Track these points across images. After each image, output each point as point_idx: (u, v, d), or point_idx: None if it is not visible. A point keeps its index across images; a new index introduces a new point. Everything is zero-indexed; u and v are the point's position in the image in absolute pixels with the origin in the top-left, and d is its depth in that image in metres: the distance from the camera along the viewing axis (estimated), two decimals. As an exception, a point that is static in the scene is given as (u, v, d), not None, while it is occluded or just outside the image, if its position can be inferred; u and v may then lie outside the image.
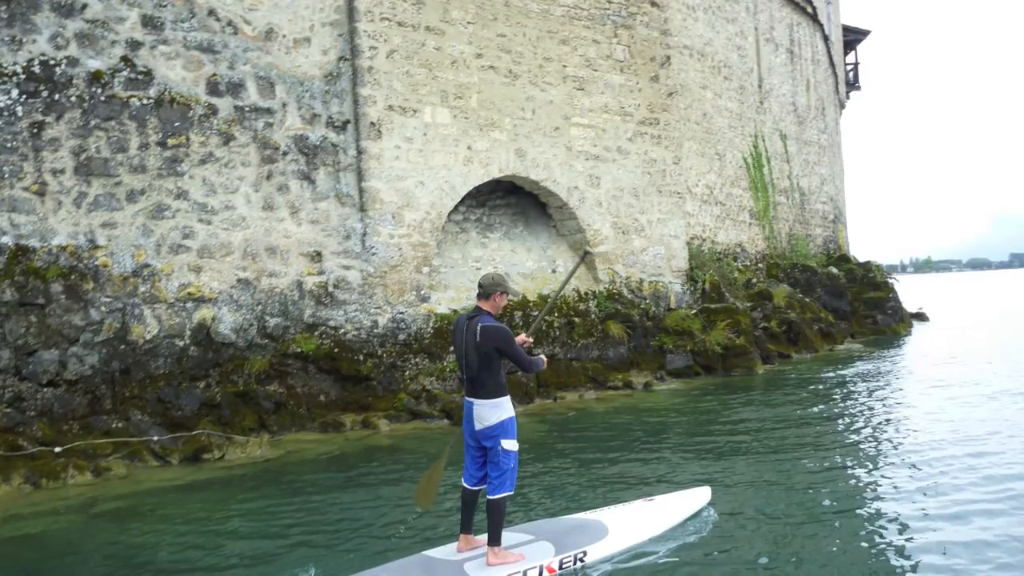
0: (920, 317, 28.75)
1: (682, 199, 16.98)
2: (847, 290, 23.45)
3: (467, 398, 5.62)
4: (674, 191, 16.63)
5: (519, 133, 14.04)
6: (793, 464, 8.37)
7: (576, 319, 14.25)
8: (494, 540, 5.44)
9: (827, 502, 6.96)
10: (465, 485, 5.72)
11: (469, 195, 13.78)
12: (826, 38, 31.64)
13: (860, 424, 10.50)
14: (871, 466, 8.30)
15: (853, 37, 40.25)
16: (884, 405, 11.89)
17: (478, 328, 5.44)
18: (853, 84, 41.34)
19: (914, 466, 8.09)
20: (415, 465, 8.71)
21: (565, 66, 14.76)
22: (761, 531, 6.32)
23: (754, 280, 19.84)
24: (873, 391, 13.10)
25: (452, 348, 6.23)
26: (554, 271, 14.99)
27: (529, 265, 14.76)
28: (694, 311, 16.18)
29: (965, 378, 14.01)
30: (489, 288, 5.64)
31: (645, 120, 16.08)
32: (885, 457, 8.65)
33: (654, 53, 16.23)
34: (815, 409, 11.55)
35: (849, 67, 40.84)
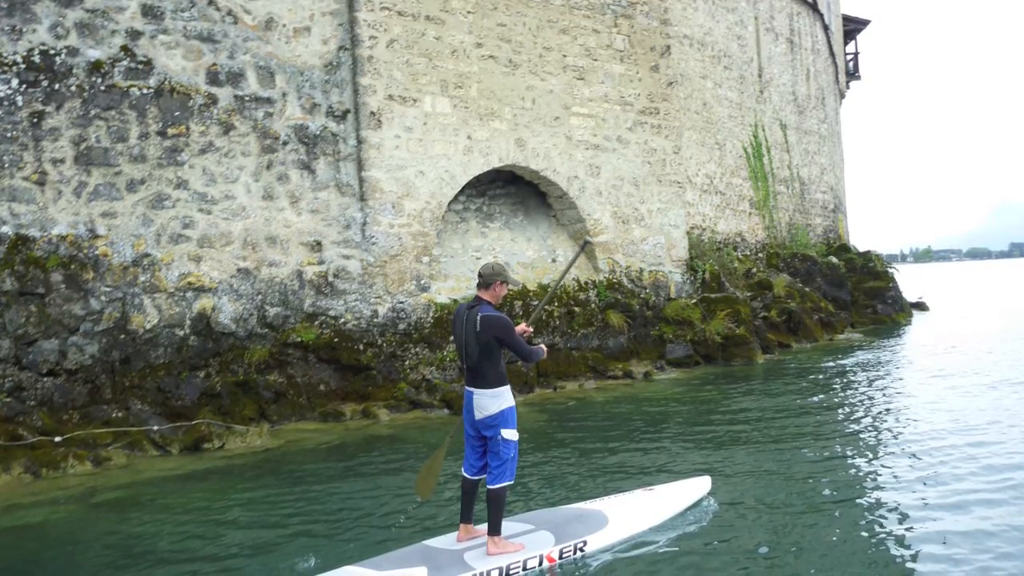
0: (920, 307, 28.78)
1: (682, 189, 16.94)
2: (847, 280, 23.45)
3: (467, 388, 5.62)
4: (674, 181, 16.57)
5: (519, 123, 14.00)
6: (793, 454, 8.37)
7: (576, 309, 14.29)
8: (494, 530, 5.46)
9: (827, 492, 6.97)
10: (465, 475, 5.73)
11: (469, 185, 13.78)
12: (826, 27, 31.48)
13: (860, 414, 10.51)
14: (871, 456, 8.31)
15: (853, 27, 40.14)
16: (884, 394, 11.90)
17: (478, 318, 5.44)
18: (853, 74, 41.23)
19: (914, 456, 8.10)
20: (415, 455, 8.72)
21: (565, 56, 14.68)
22: (761, 521, 6.33)
23: (754, 270, 19.82)
24: (873, 380, 13.10)
25: (452, 338, 6.23)
26: (554, 260, 14.97)
27: (529, 255, 14.74)
28: (694, 301, 16.21)
29: (965, 367, 14.02)
30: (489, 278, 5.64)
31: (645, 110, 16.05)
32: (885, 447, 8.66)
33: (654, 43, 16.18)
34: (815, 399, 11.56)
35: (849, 57, 40.70)
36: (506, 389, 5.56)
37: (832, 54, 33.28)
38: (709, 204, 20.34)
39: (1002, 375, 12.94)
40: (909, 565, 5.43)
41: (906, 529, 6.06)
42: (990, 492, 6.79)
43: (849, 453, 8.38)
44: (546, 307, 13.46)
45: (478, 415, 5.53)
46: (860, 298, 24.03)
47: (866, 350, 17.40)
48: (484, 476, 5.62)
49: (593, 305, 14.60)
